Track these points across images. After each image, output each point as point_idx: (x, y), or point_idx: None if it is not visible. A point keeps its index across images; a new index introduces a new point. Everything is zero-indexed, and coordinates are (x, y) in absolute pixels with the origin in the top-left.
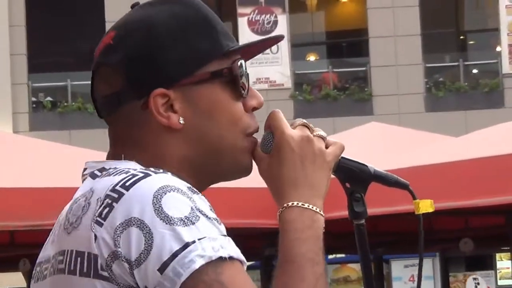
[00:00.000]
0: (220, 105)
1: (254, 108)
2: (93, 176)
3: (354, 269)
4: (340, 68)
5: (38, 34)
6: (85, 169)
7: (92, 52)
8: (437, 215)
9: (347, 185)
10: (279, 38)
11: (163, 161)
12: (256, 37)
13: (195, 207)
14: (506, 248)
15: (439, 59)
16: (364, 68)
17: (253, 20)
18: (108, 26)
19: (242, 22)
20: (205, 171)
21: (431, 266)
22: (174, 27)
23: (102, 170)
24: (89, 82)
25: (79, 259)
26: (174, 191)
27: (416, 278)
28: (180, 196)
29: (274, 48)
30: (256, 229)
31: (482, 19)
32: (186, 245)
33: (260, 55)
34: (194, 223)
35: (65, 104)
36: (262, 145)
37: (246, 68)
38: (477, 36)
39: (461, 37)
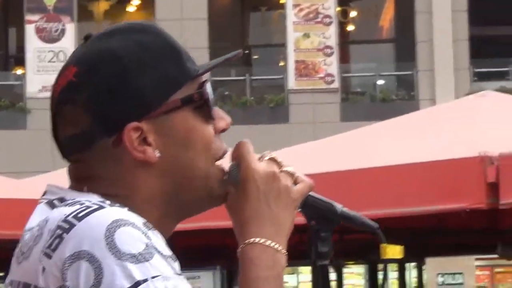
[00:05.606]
0: (194, 132)
1: (223, 130)
2: (52, 205)
3: None
4: None
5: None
6: (45, 192)
7: None
8: None
9: (313, 223)
10: (238, 54)
11: (133, 196)
12: (44, 45)
13: (150, 244)
14: None
15: (225, 72)
16: None
17: (41, 27)
18: None
19: (30, 29)
20: (176, 203)
21: None
22: (139, 56)
23: (62, 200)
24: None
25: None
26: (129, 225)
27: None
28: (134, 231)
29: (61, 56)
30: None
31: (268, 35)
32: (137, 284)
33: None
34: (148, 260)
35: None
36: (228, 176)
37: (211, 89)
38: (262, 51)
39: (246, 51)
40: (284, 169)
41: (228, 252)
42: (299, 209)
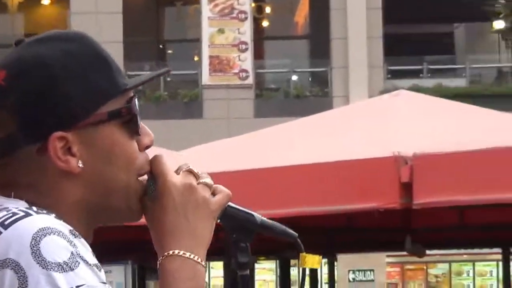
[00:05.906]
0: (118, 146)
1: (147, 147)
2: None
3: None
4: None
5: None
6: None
7: None
8: None
9: (233, 234)
10: (167, 72)
11: (57, 205)
12: None
13: (76, 252)
14: None
15: (139, 67)
16: None
17: None
18: None
19: None
20: (96, 215)
21: None
22: (70, 66)
23: None
24: None
25: None
26: (54, 233)
27: None
28: (60, 240)
29: None
30: None
31: (183, 30)
32: None
33: None
34: (73, 269)
35: None
36: (147, 191)
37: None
38: (177, 46)
39: (160, 46)
40: (202, 180)
41: (140, 247)
42: (218, 220)
